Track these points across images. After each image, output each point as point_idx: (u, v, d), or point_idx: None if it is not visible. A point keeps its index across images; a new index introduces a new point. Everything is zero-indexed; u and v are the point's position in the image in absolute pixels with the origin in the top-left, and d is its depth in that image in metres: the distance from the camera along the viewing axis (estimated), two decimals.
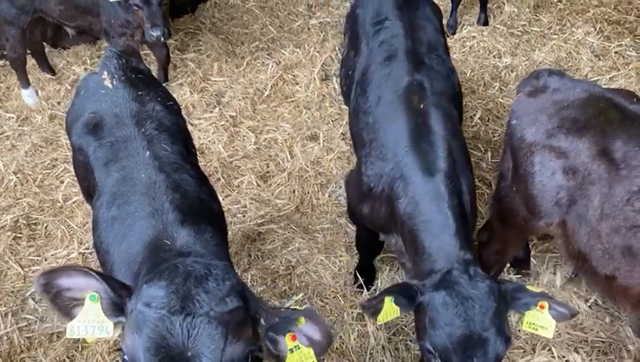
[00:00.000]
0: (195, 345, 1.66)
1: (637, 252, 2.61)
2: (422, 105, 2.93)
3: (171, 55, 5.50)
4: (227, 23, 6.17)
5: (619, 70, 5.22)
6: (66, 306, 1.84)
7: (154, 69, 5.42)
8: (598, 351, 3.36)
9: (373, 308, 2.42)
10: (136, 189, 2.54)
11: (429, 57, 3.26)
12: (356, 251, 3.88)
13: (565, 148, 2.84)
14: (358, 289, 3.78)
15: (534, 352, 3.34)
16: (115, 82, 2.89)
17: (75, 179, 3.94)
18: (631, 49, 5.50)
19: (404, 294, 2.46)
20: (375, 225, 3.16)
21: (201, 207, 2.61)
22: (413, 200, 2.75)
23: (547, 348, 3.35)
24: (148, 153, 2.65)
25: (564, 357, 3.30)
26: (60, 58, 5.78)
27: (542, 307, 2.40)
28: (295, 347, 1.87)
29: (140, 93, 2.88)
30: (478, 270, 2.47)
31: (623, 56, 5.44)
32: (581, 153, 2.79)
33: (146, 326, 1.68)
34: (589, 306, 3.55)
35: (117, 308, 1.83)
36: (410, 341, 3.53)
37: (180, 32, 5.90)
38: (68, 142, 4.62)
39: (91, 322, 1.83)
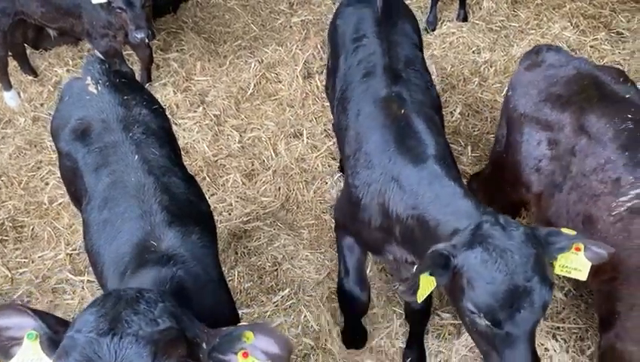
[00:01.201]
0: None
1: (595, 220, 2.78)
2: (402, 111, 2.95)
3: (154, 55, 5.52)
4: (209, 22, 6.19)
5: None
6: (5, 346, 1.81)
7: (137, 70, 5.44)
8: (576, 337, 3.49)
9: (411, 290, 2.31)
10: (127, 191, 2.60)
11: (407, 72, 3.28)
12: None
13: (550, 122, 3.03)
14: None
15: None
16: (99, 88, 2.93)
17: (61, 181, 3.96)
18: (606, 43, 5.62)
19: (438, 264, 2.30)
20: (367, 241, 3.08)
21: (189, 208, 2.66)
22: (412, 191, 2.70)
23: None
24: (137, 157, 2.70)
25: (542, 344, 3.41)
26: (42, 60, 5.76)
27: (577, 249, 2.32)
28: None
29: (125, 97, 2.93)
30: (508, 218, 2.36)
31: (599, 50, 5.56)
32: (564, 127, 2.98)
33: (74, 350, 1.66)
34: (564, 294, 3.67)
35: (55, 344, 1.78)
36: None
37: (162, 31, 5.91)
38: (52, 144, 4.64)
39: (30, 361, 1.80)
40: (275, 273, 4.02)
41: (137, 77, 5.32)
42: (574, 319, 3.55)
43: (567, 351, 3.40)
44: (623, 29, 5.79)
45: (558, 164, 2.98)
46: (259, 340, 1.83)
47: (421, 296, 2.32)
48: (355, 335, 3.62)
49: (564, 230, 2.37)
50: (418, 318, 3.35)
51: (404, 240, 2.78)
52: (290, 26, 6.10)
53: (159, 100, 5.03)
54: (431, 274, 2.31)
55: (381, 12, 3.54)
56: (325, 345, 3.57)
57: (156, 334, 1.71)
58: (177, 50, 5.77)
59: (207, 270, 2.39)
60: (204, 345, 1.83)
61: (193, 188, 2.87)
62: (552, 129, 3.03)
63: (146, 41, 4.58)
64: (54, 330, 1.80)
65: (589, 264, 2.33)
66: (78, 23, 4.88)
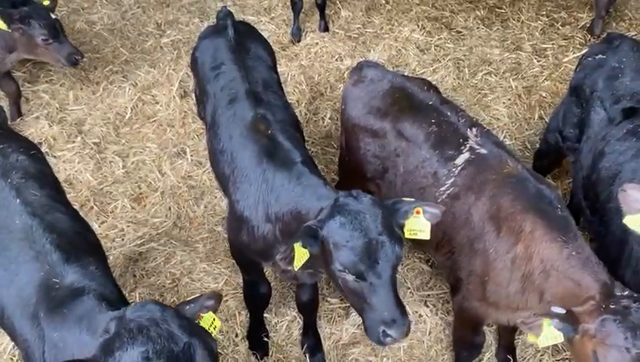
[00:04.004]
0: None
1: None
2: (269, 131, 3.36)
3: (21, 88, 5.41)
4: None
5: (440, 62, 6.07)
6: None
7: (5, 106, 5.29)
8: (443, 301, 4.09)
9: (287, 258, 2.73)
10: (14, 236, 2.72)
11: (266, 94, 3.70)
12: None
13: (376, 130, 3.62)
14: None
15: None
16: None
17: None
18: (449, 41, 6.35)
19: (308, 235, 2.73)
20: (256, 251, 3.37)
21: (79, 241, 2.84)
22: (285, 190, 3.09)
23: None
24: (18, 200, 2.83)
25: (417, 311, 3.98)
26: None
27: (417, 212, 2.83)
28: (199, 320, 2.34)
29: (1, 146, 3.03)
30: (359, 191, 2.84)
31: (443, 48, 6.29)
32: (387, 133, 3.56)
33: None
34: (430, 266, 4.28)
35: None
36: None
37: (27, 63, 5.77)
38: None
39: None
40: (176, 289, 4.23)
41: (7, 113, 5.20)
42: (440, 286, 4.16)
43: (437, 314, 4.00)
44: (462, 27, 6.55)
45: (388, 164, 3.58)
46: (205, 302, 2.34)
47: (297, 265, 2.77)
48: (259, 334, 3.94)
49: (405, 199, 2.92)
50: (308, 308, 3.76)
51: (285, 236, 3.13)
52: (161, 47, 6.22)
53: (34, 135, 5.04)
54: (304, 247, 2.74)
55: (234, 40, 3.89)
56: (230, 348, 3.88)
57: (199, 326, 2.14)
58: (47, 81, 5.68)
59: (113, 295, 2.60)
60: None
61: (78, 221, 3.04)
62: (378, 136, 3.62)
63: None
64: None
65: (429, 224, 2.88)
66: None
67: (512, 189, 3.05)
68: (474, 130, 3.38)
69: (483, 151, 3.27)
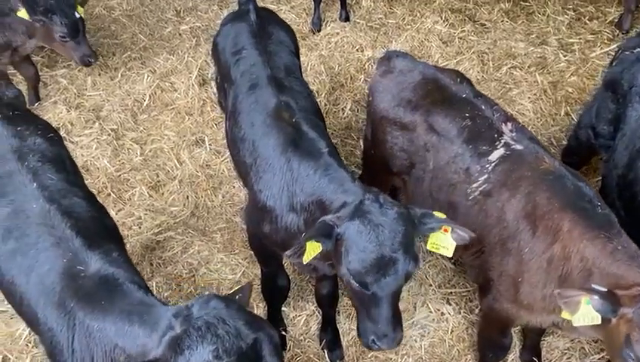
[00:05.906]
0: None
1: (457, 206, 3.25)
2: (293, 119, 3.25)
3: (40, 73, 5.36)
4: (94, 34, 6.06)
5: (463, 54, 5.94)
6: None
7: (23, 90, 5.25)
8: (466, 299, 4.00)
9: (297, 254, 2.70)
10: (32, 221, 2.66)
11: (289, 80, 3.59)
12: None
13: (405, 123, 3.49)
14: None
15: (415, 310, 3.90)
16: None
17: None
18: (472, 34, 6.22)
19: (323, 233, 2.69)
20: (278, 242, 3.29)
21: (96, 226, 2.79)
22: (311, 180, 3.01)
23: (425, 305, 3.92)
24: (35, 184, 2.77)
25: (439, 309, 3.89)
26: None
27: (445, 230, 2.77)
28: None
29: (19, 128, 2.98)
30: (387, 198, 2.76)
31: (466, 41, 6.16)
32: (416, 127, 3.43)
33: None
34: (453, 263, 4.18)
35: None
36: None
37: (46, 48, 5.70)
38: None
39: None
40: (193, 279, 4.17)
41: (25, 97, 5.16)
42: (463, 284, 4.07)
43: (460, 313, 3.91)
44: (485, 20, 6.41)
45: (416, 159, 3.46)
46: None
47: (307, 259, 2.72)
48: (276, 327, 3.85)
49: (436, 213, 2.83)
50: (327, 302, 3.68)
51: (309, 226, 3.04)
52: (180, 34, 6.15)
53: (51, 120, 4.99)
54: (317, 241, 2.69)
55: (256, 25, 3.79)
56: None
57: (264, 321, 2.17)
58: (65, 66, 5.62)
59: (142, 283, 2.56)
60: None
61: (95, 205, 2.99)
62: (407, 129, 3.50)
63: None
64: None
65: (455, 244, 2.81)
66: None
67: (549, 186, 2.93)
68: (509, 124, 3.26)
69: (519, 146, 3.15)
